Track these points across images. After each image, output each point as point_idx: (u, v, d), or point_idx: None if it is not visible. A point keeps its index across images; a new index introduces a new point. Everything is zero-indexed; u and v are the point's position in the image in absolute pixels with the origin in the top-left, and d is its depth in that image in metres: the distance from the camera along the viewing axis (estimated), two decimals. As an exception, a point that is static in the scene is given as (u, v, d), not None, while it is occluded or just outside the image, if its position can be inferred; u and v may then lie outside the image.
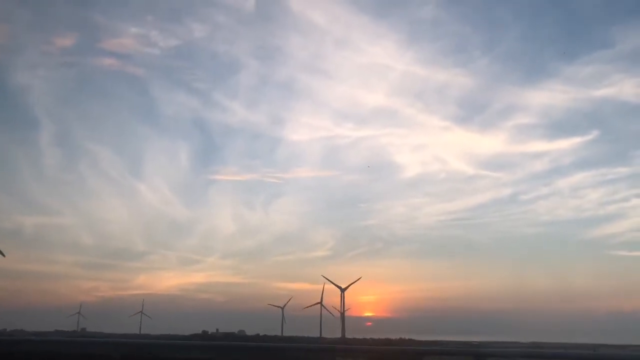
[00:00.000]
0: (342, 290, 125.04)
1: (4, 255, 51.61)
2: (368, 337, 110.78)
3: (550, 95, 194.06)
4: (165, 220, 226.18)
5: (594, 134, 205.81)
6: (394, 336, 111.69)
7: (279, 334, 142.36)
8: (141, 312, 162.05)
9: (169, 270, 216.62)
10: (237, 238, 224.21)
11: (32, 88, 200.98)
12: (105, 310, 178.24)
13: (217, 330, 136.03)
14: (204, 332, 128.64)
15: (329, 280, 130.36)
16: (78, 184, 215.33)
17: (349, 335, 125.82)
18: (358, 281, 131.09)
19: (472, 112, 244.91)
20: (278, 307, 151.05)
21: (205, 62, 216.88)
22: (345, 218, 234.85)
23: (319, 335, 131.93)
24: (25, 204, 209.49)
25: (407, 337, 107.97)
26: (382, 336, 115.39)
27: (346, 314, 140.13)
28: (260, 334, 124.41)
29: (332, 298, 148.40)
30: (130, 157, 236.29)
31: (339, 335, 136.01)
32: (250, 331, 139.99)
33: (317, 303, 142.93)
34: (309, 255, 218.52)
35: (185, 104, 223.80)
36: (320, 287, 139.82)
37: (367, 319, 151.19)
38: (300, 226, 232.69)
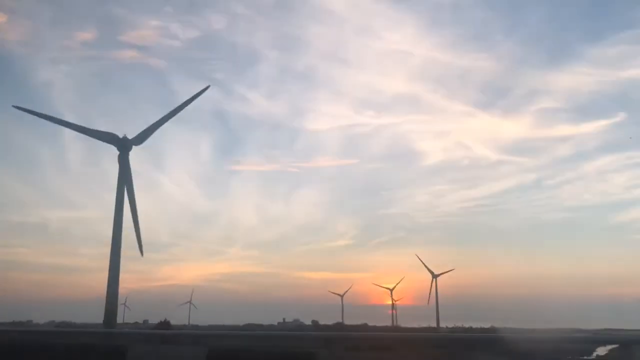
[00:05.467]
0: (435, 276, 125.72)
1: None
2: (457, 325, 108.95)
3: (574, 78, 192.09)
4: (188, 212, 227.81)
5: (620, 117, 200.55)
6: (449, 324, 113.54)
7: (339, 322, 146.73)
8: (189, 302, 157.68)
9: (193, 261, 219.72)
10: (259, 228, 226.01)
11: (54, 83, 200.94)
12: (134, 302, 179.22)
13: (283, 319, 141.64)
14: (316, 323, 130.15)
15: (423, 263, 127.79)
16: (101, 177, 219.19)
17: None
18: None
19: (495, 97, 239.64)
20: (337, 294, 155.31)
21: (225, 53, 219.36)
22: (367, 207, 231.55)
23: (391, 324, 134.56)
24: (50, 198, 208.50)
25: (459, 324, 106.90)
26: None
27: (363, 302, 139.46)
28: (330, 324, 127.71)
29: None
30: (152, 150, 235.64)
31: (394, 323, 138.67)
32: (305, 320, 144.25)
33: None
34: (331, 244, 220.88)
35: (205, 95, 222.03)
36: (344, 275, 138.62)
37: (390, 307, 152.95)
38: (322, 215, 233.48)
